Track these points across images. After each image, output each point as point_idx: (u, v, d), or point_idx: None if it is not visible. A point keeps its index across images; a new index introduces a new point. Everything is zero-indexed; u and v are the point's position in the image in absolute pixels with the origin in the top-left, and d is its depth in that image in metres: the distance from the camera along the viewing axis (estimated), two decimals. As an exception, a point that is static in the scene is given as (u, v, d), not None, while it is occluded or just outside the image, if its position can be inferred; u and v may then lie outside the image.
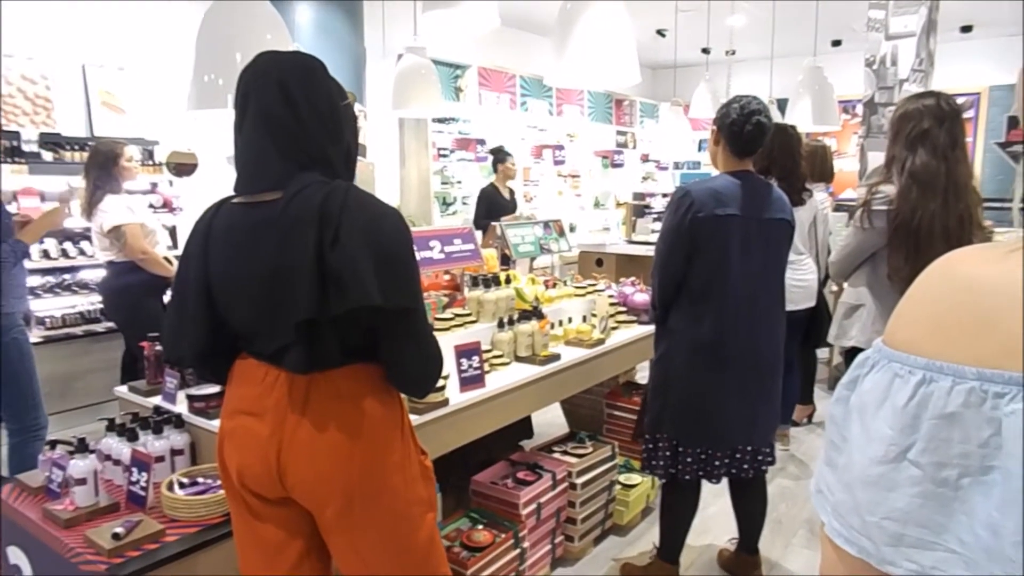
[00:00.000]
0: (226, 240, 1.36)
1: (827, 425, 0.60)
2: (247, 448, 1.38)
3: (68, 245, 4.36)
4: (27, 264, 3.07)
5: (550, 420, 3.78)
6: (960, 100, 2.31)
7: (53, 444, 1.97)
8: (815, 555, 2.85)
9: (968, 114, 7.92)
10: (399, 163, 6.42)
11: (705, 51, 7.35)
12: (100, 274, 4.18)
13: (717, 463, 2.32)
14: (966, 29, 7.56)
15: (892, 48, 4.15)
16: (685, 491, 2.43)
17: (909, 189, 2.19)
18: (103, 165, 3.56)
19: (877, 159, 4.14)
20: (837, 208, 5.18)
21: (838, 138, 8.75)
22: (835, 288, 4.49)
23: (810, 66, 5.11)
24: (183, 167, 4.74)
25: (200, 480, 1.85)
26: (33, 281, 4.08)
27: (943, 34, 4.71)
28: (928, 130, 2.18)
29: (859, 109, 5.32)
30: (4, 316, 2.76)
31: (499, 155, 5.84)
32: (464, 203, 6.73)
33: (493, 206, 5.48)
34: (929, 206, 2.15)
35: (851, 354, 2.56)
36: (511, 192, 5.78)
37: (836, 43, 7.97)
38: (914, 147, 2.20)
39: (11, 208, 3.01)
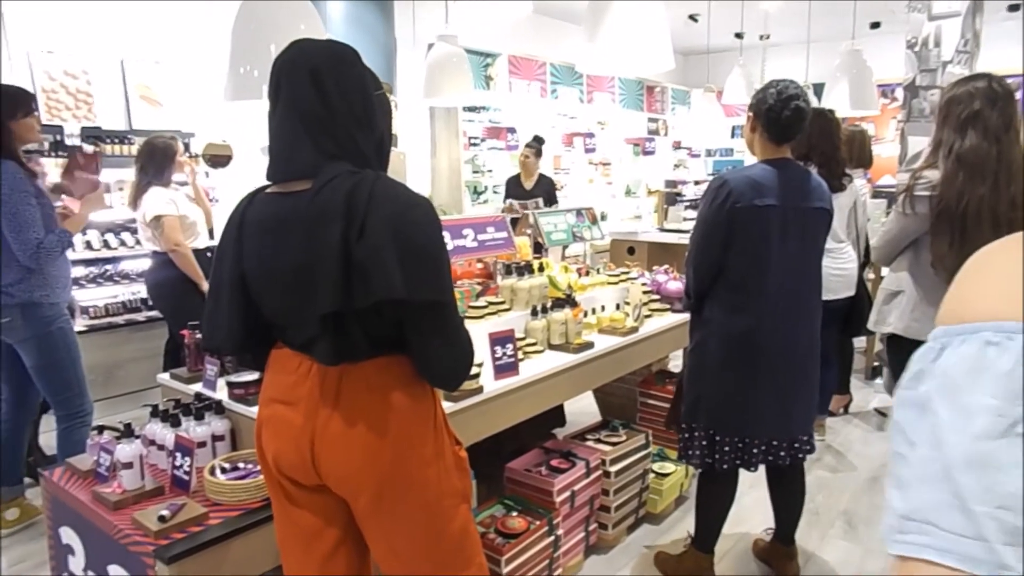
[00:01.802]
0: (258, 230, 1.36)
1: (892, 436, 0.51)
2: (282, 436, 1.39)
3: (110, 236, 4.48)
4: (71, 255, 3.15)
5: (582, 408, 3.77)
6: (1008, 82, 2.23)
7: (101, 429, 2.03)
8: (851, 547, 2.82)
9: (1016, 96, 7.64)
10: (430, 152, 6.44)
11: (739, 36, 7.22)
12: (141, 264, 4.28)
13: (755, 451, 2.30)
14: (1014, 8, 7.28)
15: (935, 29, 4.01)
16: (722, 481, 2.41)
17: (955, 174, 2.12)
18: (160, 162, 3.64)
19: (918, 144, 4.02)
20: (875, 195, 5.06)
21: (876, 123, 8.54)
22: (871, 276, 4.40)
23: (848, 49, 4.98)
24: (218, 159, 4.81)
25: (241, 465, 1.88)
26: (77, 272, 4.19)
27: (990, 14, 4.54)
28: (980, 111, 2.10)
29: (899, 93, 5.18)
30: (50, 306, 2.84)
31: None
32: (495, 191, 6.73)
33: (507, 197, 5.57)
34: (977, 190, 2.08)
35: (892, 341, 2.50)
36: (540, 180, 5.73)
37: (875, 25, 7.76)
38: (964, 130, 2.12)
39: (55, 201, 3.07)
